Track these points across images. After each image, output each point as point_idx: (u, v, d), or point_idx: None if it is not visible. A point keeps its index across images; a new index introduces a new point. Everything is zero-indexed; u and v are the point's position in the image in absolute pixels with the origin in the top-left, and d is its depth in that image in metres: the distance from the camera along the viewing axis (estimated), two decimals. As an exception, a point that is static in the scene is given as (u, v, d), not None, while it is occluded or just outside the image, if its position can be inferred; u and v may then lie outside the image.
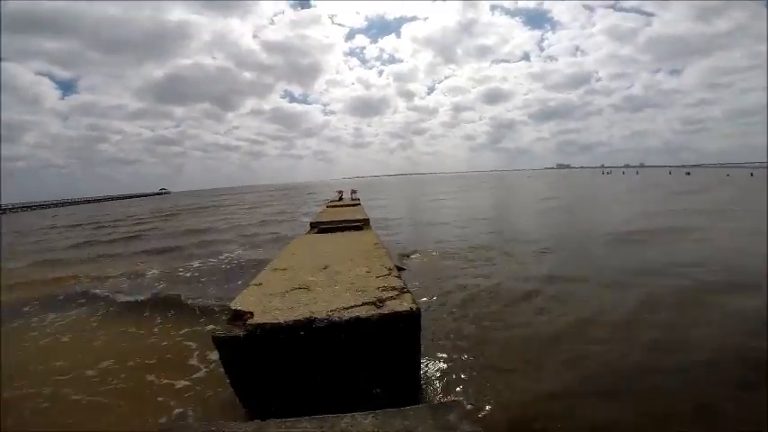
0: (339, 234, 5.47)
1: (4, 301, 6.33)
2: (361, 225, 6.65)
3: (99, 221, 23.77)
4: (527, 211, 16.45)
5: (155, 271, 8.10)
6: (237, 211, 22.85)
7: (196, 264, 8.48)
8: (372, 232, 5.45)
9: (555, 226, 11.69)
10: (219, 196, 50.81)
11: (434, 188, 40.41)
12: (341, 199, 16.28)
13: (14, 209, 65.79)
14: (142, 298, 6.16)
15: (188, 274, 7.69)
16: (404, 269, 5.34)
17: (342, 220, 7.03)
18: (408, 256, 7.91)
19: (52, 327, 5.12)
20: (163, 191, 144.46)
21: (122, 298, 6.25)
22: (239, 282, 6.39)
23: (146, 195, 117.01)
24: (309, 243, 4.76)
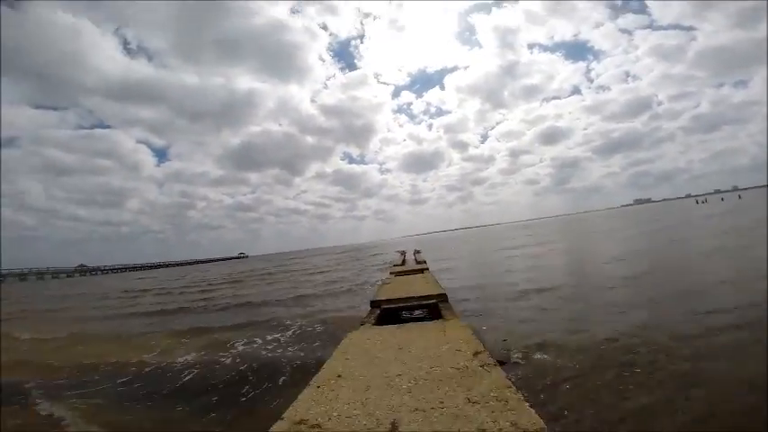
0: (411, 327, 3.76)
1: None
2: (437, 304, 4.91)
3: (168, 288, 24.77)
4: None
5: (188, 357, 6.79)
6: (300, 277, 21.99)
7: (240, 347, 7.09)
8: (459, 323, 3.67)
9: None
10: (289, 260, 51.86)
11: (501, 242, 35.68)
12: (404, 261, 15.36)
13: (105, 270, 75.75)
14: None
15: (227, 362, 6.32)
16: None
17: (410, 296, 5.38)
18: (527, 358, 4.82)
19: None
20: (241, 255, 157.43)
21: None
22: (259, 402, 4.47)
23: (227, 259, 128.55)
24: (363, 351, 3.10)
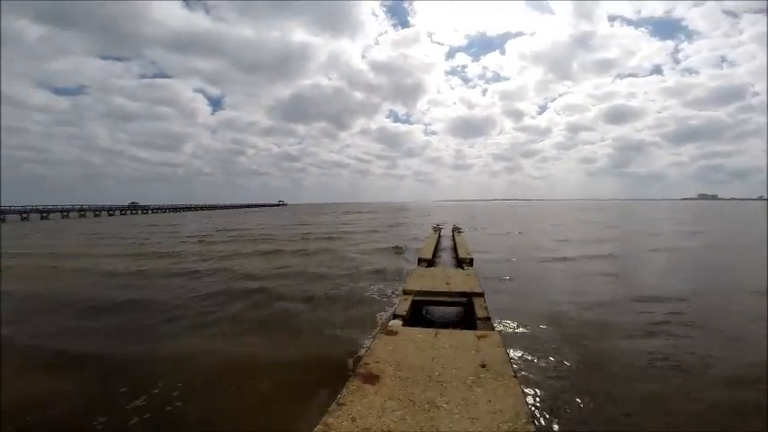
0: (445, 334, 3.50)
1: None
2: (471, 302, 4.63)
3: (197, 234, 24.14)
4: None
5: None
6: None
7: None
8: (497, 336, 3.36)
9: None
10: (330, 214, 51.69)
11: (557, 222, 30.10)
12: (437, 249, 12.17)
13: (155, 209, 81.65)
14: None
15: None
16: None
17: (443, 291, 5.10)
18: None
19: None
20: (281, 202, 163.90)
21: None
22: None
23: (268, 205, 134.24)
24: (395, 356, 2.92)
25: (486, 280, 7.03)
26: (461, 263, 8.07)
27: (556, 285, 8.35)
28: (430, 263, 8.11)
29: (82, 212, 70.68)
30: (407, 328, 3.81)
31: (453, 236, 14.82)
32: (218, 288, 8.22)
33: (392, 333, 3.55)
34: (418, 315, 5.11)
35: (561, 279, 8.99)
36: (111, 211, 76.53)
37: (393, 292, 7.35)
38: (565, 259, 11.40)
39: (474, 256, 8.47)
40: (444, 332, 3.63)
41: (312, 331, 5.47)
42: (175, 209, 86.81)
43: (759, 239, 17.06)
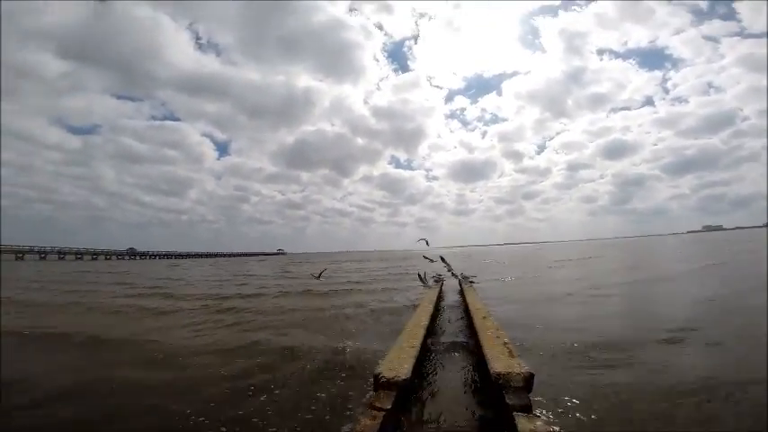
0: None
1: None
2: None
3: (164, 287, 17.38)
4: None
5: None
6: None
7: None
8: None
9: None
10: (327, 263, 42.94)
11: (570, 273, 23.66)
12: (440, 298, 8.88)
13: (152, 255, 79.67)
14: None
15: None
16: None
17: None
18: None
19: None
20: (280, 251, 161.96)
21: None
22: None
23: (267, 254, 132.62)
24: None
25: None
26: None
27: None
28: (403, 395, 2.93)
29: (79, 255, 69.56)
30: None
31: (463, 296, 8.53)
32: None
33: None
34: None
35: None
36: (107, 255, 75.17)
37: None
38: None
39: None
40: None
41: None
42: (169, 255, 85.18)
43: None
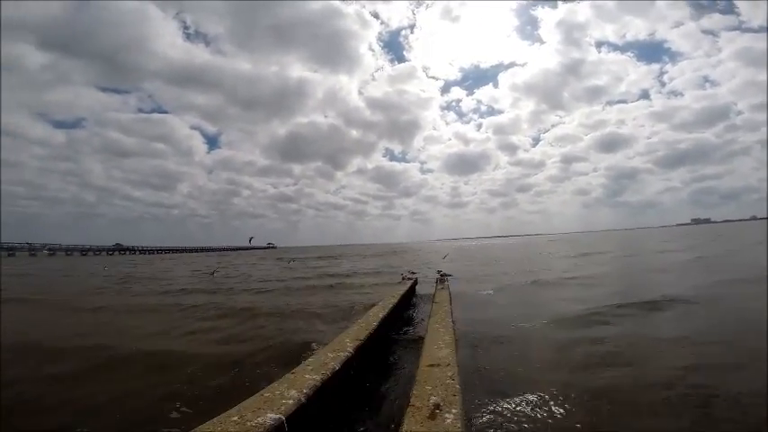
0: None
1: None
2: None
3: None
4: None
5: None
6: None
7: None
8: None
9: None
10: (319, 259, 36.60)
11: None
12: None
13: (141, 250, 78.61)
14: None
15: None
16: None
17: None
18: None
19: None
20: (270, 245, 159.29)
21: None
22: None
23: (258, 248, 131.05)
24: None
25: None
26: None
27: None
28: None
29: (69, 252, 68.39)
30: None
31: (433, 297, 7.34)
32: None
33: None
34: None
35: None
36: (97, 251, 73.88)
37: None
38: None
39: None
40: None
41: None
42: (160, 250, 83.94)
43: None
